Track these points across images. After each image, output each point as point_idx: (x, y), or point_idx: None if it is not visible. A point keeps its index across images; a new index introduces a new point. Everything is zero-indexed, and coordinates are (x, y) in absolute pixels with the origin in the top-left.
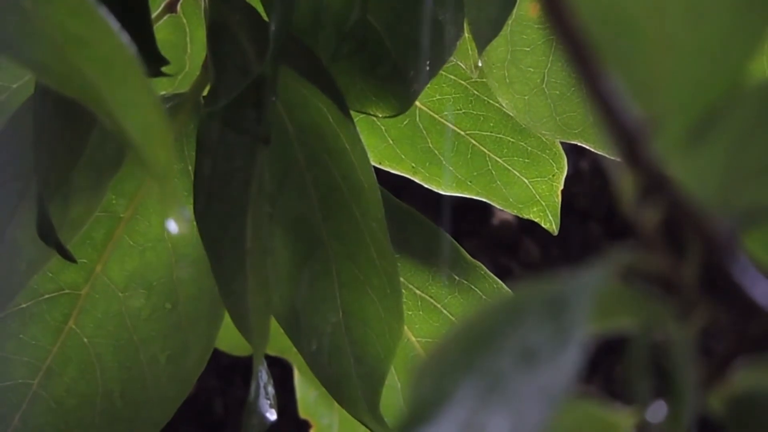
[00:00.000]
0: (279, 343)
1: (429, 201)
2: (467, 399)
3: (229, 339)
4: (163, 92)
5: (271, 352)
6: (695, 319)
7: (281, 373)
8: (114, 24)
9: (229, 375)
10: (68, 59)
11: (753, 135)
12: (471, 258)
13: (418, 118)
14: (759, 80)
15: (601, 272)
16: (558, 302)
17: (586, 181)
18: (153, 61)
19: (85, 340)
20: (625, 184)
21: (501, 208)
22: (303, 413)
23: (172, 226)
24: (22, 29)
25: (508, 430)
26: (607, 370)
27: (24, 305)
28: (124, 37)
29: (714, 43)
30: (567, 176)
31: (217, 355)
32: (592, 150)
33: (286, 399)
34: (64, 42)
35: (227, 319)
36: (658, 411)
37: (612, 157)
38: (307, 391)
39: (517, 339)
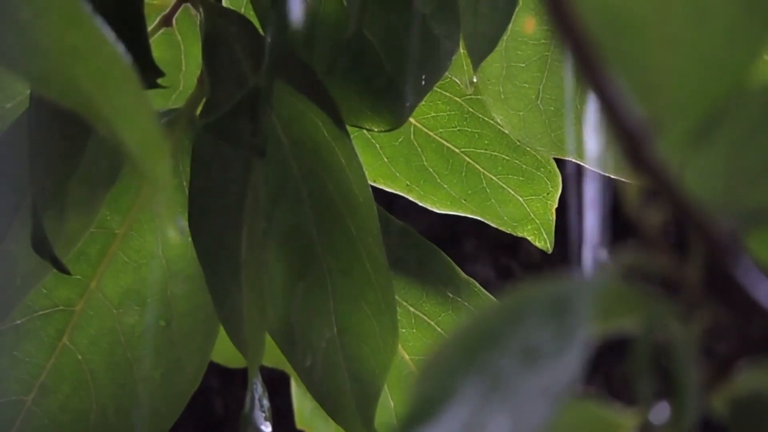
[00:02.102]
0: (276, 354)
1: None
2: (469, 398)
3: (224, 351)
4: (157, 108)
5: (269, 363)
6: (698, 319)
7: (279, 381)
8: (110, 35)
9: (229, 375)
10: (64, 70)
11: (756, 136)
12: (465, 275)
13: (413, 136)
14: (762, 82)
15: (604, 272)
16: (561, 302)
17: None
18: (149, 71)
19: (79, 356)
20: (628, 184)
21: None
22: (300, 424)
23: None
24: (19, 41)
25: (510, 430)
26: (608, 370)
27: (18, 321)
28: (120, 48)
29: (717, 45)
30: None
31: None
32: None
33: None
34: (60, 53)
35: (222, 330)
36: (660, 412)
37: (606, 173)
38: (303, 402)
39: (520, 338)
